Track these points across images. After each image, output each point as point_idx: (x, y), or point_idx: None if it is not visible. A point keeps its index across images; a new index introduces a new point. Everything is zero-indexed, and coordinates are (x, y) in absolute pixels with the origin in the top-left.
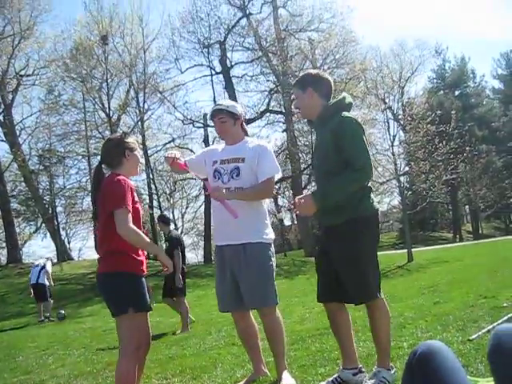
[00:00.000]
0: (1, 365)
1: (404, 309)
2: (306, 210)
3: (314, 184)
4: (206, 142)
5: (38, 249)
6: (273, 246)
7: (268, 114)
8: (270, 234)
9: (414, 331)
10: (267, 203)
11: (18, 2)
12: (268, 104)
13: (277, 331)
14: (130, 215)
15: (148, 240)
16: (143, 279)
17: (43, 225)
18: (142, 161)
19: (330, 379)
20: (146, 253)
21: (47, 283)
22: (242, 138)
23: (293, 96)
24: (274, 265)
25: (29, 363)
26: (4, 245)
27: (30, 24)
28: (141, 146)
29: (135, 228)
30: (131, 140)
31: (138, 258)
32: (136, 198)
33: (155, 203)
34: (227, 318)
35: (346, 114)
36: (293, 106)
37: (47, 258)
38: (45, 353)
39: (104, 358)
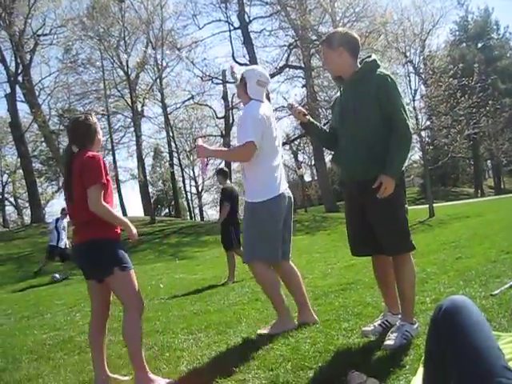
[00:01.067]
0: (30, 322)
1: (426, 264)
2: (391, 190)
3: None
4: (225, 98)
5: (60, 208)
6: (268, 205)
7: (287, 69)
8: (265, 194)
9: (436, 286)
10: (279, 160)
11: None
12: (287, 59)
13: (262, 285)
14: (102, 192)
15: (115, 214)
16: (120, 243)
17: None
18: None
19: (377, 323)
20: None
21: (52, 242)
22: (246, 102)
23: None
24: (271, 223)
25: (57, 320)
26: (27, 205)
27: None
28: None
29: (105, 205)
30: (95, 119)
31: (114, 224)
32: (108, 173)
33: (175, 161)
34: (250, 274)
35: (383, 70)
36: (321, 64)
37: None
38: (72, 310)
39: None
